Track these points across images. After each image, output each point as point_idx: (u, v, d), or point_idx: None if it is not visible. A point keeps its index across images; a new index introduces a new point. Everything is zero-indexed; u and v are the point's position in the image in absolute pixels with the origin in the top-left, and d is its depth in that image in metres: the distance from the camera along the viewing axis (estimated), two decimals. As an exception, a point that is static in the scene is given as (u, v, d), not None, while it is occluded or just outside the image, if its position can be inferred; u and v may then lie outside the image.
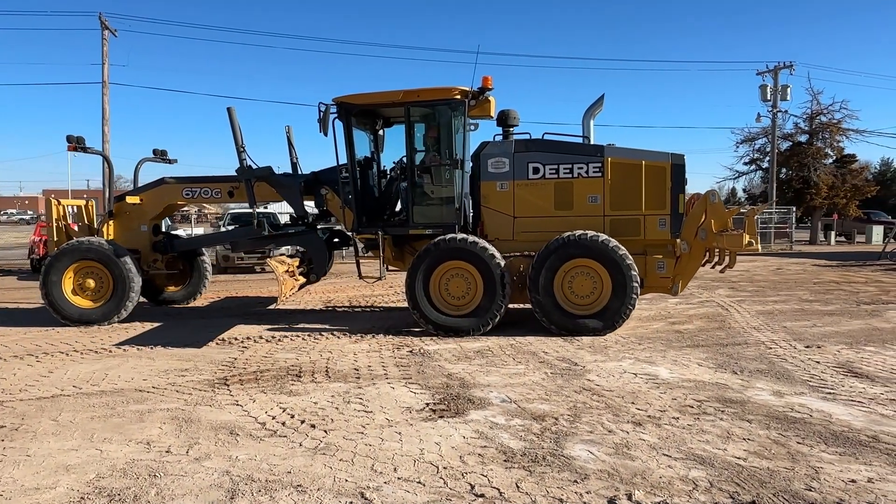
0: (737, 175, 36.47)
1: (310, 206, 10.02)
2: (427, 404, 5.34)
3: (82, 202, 10.76)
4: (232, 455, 4.22)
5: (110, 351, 7.52)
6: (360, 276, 9.74)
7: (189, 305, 11.28)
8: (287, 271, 8.80)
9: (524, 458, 4.13)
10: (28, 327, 9.13)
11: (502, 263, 8.23)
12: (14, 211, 77.96)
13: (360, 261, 9.80)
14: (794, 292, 12.54)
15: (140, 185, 10.72)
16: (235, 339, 8.17)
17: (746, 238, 8.09)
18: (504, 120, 9.06)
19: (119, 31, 27.60)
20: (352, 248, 10.24)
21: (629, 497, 3.55)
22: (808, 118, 33.22)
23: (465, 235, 8.39)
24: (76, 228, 10.25)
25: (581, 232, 8.15)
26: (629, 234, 8.40)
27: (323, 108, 8.50)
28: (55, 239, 9.82)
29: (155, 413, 5.14)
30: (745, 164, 35.50)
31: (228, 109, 9.12)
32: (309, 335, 8.40)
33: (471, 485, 3.73)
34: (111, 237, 9.90)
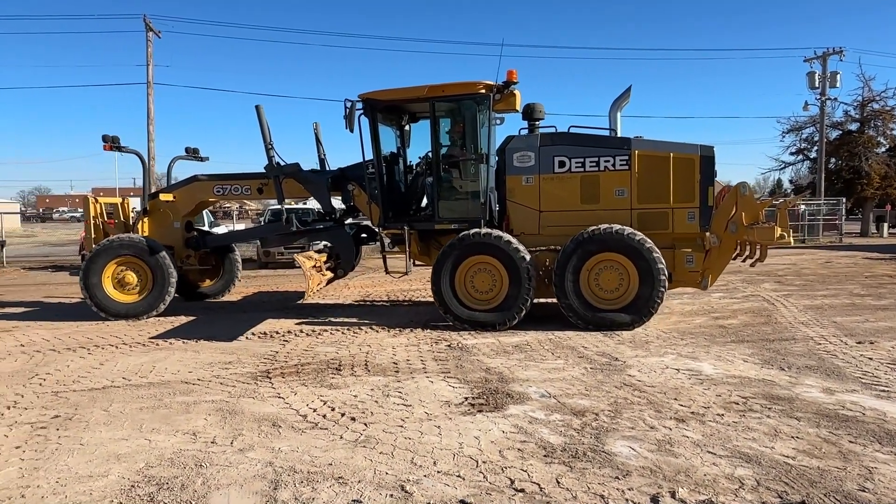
0: (783, 166, 35.49)
1: (337, 201, 10.16)
2: (466, 398, 5.34)
3: (118, 200, 11.00)
4: (275, 446, 4.29)
5: (157, 344, 7.74)
6: (387, 271, 9.82)
7: (225, 300, 11.52)
8: (314, 266, 8.87)
9: (564, 454, 4.09)
10: (80, 321, 9.45)
11: (527, 258, 8.19)
12: (65, 209, 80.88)
13: (387, 256, 9.85)
14: (845, 286, 12.12)
15: (173, 182, 10.96)
16: (276, 332, 8.32)
17: (778, 231, 7.88)
18: (529, 114, 8.99)
19: (162, 33, 28.27)
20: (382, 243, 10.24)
21: (672, 495, 3.49)
22: (859, 105, 32.01)
23: (489, 230, 8.38)
24: (112, 226, 10.48)
25: (606, 226, 8.05)
26: (657, 228, 8.29)
27: (349, 105, 8.59)
28: (92, 236, 10.08)
29: (200, 404, 5.27)
30: (792, 154, 34.50)
31: (256, 107, 9.29)
32: (348, 329, 8.49)
33: (511, 479, 3.72)
34: (145, 234, 10.13)
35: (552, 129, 8.78)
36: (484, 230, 8.38)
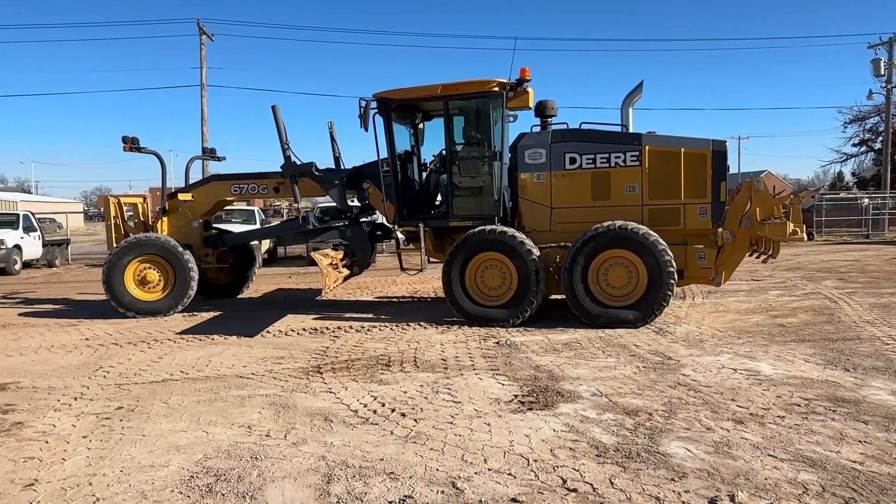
0: (844, 158, 34.08)
1: (352, 200, 10.26)
2: (515, 396, 5.30)
3: (139, 200, 11.23)
4: (327, 441, 4.36)
5: (213, 339, 7.95)
6: (402, 269, 9.86)
7: (250, 297, 11.75)
8: (331, 264, 8.98)
9: (617, 454, 4.02)
10: (139, 316, 9.78)
11: (536, 255, 8.19)
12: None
13: (402, 253, 9.98)
14: (913, 284, 11.53)
15: (191, 181, 11.06)
16: (327, 328, 8.44)
17: (790, 227, 7.72)
18: (542, 110, 8.97)
19: (215, 36, 29.04)
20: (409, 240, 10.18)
21: (731, 498, 3.38)
22: (929, 93, 30.36)
23: (499, 227, 8.41)
24: (132, 225, 10.65)
25: (614, 222, 7.99)
26: (668, 224, 8.20)
27: (363, 104, 8.69)
28: (113, 236, 10.27)
29: (254, 398, 5.39)
30: (854, 145, 33.09)
31: (273, 107, 9.43)
32: (397, 325, 8.55)
33: (562, 479, 3.67)
34: (164, 233, 10.26)
35: (564, 126, 8.76)
36: (492, 227, 8.41)
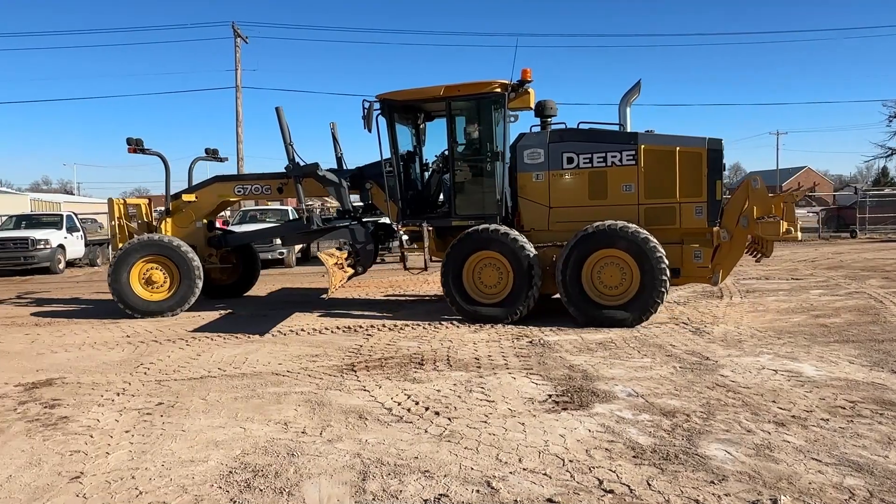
0: (889, 153, 32.95)
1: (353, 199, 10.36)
2: (549, 396, 5.27)
3: (142, 201, 11.29)
4: (362, 438, 4.39)
5: (249, 337, 8.09)
6: (406, 268, 9.81)
7: (258, 295, 11.87)
8: (336, 264, 9.02)
9: (655, 455, 3.96)
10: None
11: (531, 253, 8.29)
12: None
13: (406, 252, 9.94)
14: (964, 283, 11.10)
15: (194, 182, 11.11)
16: (360, 326, 8.51)
17: (784, 225, 7.75)
18: (541, 111, 9.00)
19: (249, 38, 29.49)
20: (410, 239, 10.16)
21: (774, 502, 3.29)
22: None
23: (495, 226, 8.51)
24: (135, 226, 10.68)
25: (606, 222, 8.03)
26: (664, 223, 8.20)
27: (367, 105, 8.75)
28: (117, 237, 10.34)
29: (290, 395, 5.46)
30: (900, 140, 31.97)
31: (276, 109, 9.57)
32: (429, 324, 8.57)
33: (599, 480, 3.63)
34: (168, 234, 10.34)
35: (562, 126, 8.81)
36: (488, 226, 8.52)
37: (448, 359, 6.64)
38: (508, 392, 5.40)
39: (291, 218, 19.66)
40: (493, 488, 3.55)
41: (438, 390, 5.51)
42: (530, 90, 9.05)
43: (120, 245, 10.11)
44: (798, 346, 6.80)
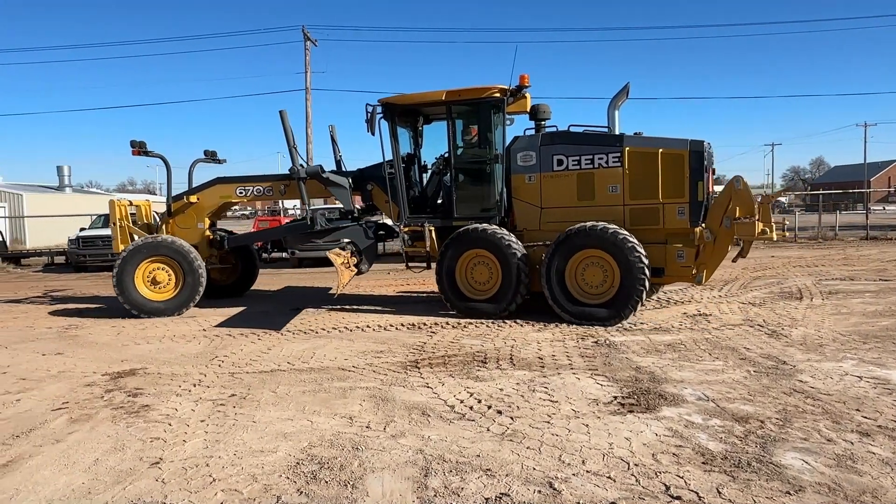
0: None
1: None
2: (615, 397, 5.16)
3: (143, 202, 11.49)
4: (424, 435, 4.43)
5: (316, 332, 8.30)
6: (408, 266, 10.10)
7: (271, 292, 12.06)
8: (343, 263, 9.17)
9: (725, 462, 3.81)
10: (250, 308, 10.39)
11: (519, 252, 8.57)
12: (237, 207, 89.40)
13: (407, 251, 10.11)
14: None
15: (195, 184, 11.24)
16: (424, 324, 8.58)
17: (759, 226, 7.81)
18: (535, 114, 9.29)
19: (318, 41, 30.23)
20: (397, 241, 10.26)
21: (857, 517, 3.11)
22: None
23: (486, 226, 8.83)
24: (137, 228, 10.75)
25: (586, 223, 8.26)
26: (648, 224, 8.39)
27: (370, 109, 9.04)
28: (118, 238, 10.41)
29: (356, 390, 5.57)
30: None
31: (280, 112, 9.74)
32: (493, 322, 8.55)
33: (665, 485, 3.53)
34: (170, 235, 10.42)
35: (554, 129, 9.08)
36: (478, 225, 8.84)
37: (511, 357, 6.61)
38: (572, 392, 5.32)
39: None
40: (555, 489, 3.51)
41: (501, 389, 5.49)
42: (527, 94, 9.35)
43: (121, 247, 10.24)
44: (886, 351, 6.39)
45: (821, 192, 37.74)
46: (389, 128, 9.43)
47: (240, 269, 12.09)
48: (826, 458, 3.83)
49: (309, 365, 6.56)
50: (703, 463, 3.82)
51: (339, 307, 10.30)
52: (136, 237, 10.46)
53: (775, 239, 8.16)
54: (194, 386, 5.85)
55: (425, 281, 12.96)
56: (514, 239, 8.67)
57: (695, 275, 8.34)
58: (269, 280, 14.72)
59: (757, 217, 7.84)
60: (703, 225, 8.23)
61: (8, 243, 24.39)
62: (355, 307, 10.27)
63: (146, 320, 9.62)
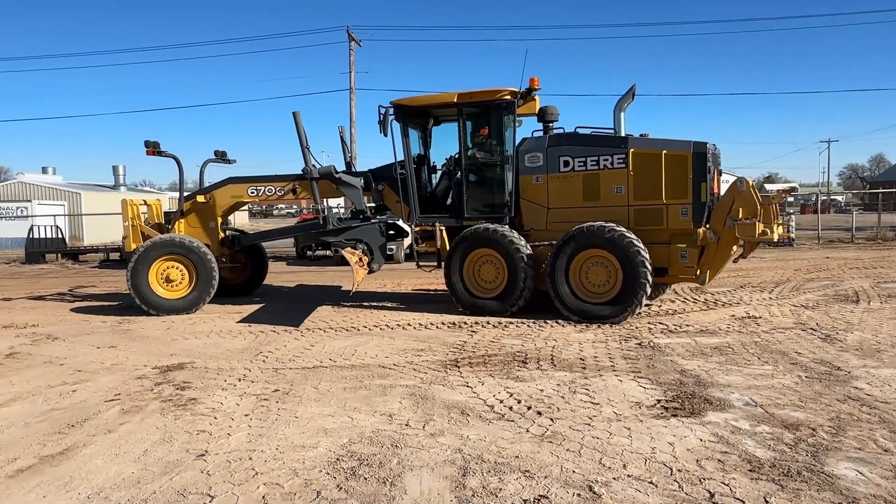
0: None
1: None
2: (658, 401, 5.05)
3: (154, 202, 11.58)
4: (463, 434, 4.42)
5: (358, 330, 8.39)
6: (419, 266, 10.19)
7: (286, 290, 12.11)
8: (358, 261, 9.26)
9: (773, 470, 3.69)
10: (293, 305, 10.57)
11: (525, 252, 8.75)
12: (283, 206, 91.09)
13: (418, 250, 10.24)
14: None
15: (206, 184, 11.39)
16: (465, 323, 8.58)
17: (760, 227, 7.90)
18: (543, 116, 9.42)
19: (363, 41, 30.52)
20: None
21: (915, 532, 2.97)
22: None
23: (493, 226, 9.01)
24: (149, 227, 10.81)
25: (589, 223, 8.39)
26: (652, 224, 8.49)
27: (383, 111, 9.22)
28: (129, 237, 10.48)
29: (396, 388, 5.61)
30: None
31: (294, 114, 9.79)
32: (534, 322, 8.49)
33: (710, 492, 3.43)
34: (182, 234, 10.54)
35: (561, 131, 9.21)
36: (486, 225, 9.04)
37: (552, 358, 6.55)
38: (614, 395, 5.24)
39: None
40: (594, 493, 3.46)
41: (541, 390, 5.44)
42: (536, 97, 9.46)
43: (133, 246, 10.35)
44: (949, 358, 6.08)
45: (880, 190, 36.20)
46: (401, 129, 9.63)
47: (249, 268, 12.23)
48: (882, 469, 3.67)
49: (350, 362, 6.63)
50: (749, 470, 3.70)
51: (376, 305, 10.38)
52: (148, 236, 10.58)
53: (776, 240, 8.30)
54: (239, 380, 5.99)
55: (433, 281, 12.94)
56: (519, 238, 8.86)
57: (698, 275, 8.40)
58: (314, 277, 14.96)
59: (758, 218, 7.91)
60: (707, 226, 8.31)
61: (67, 240, 25.44)
62: (396, 304, 10.34)
63: (195, 316, 9.89)
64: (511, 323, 8.51)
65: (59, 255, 23.23)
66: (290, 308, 10.34)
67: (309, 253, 19.30)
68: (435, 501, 3.43)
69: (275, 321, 9.11)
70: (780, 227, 8.53)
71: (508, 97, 9.07)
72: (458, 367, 6.27)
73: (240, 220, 42.85)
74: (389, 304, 10.46)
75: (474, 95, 9.19)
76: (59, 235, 24.14)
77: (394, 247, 17.91)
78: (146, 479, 3.79)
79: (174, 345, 7.77)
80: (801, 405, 4.84)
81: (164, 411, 5.11)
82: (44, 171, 46.01)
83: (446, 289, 9.51)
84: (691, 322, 8.23)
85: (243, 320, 9.30)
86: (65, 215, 31.13)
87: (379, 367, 6.37)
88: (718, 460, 3.86)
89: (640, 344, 7.09)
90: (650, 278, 8.07)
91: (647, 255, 8.08)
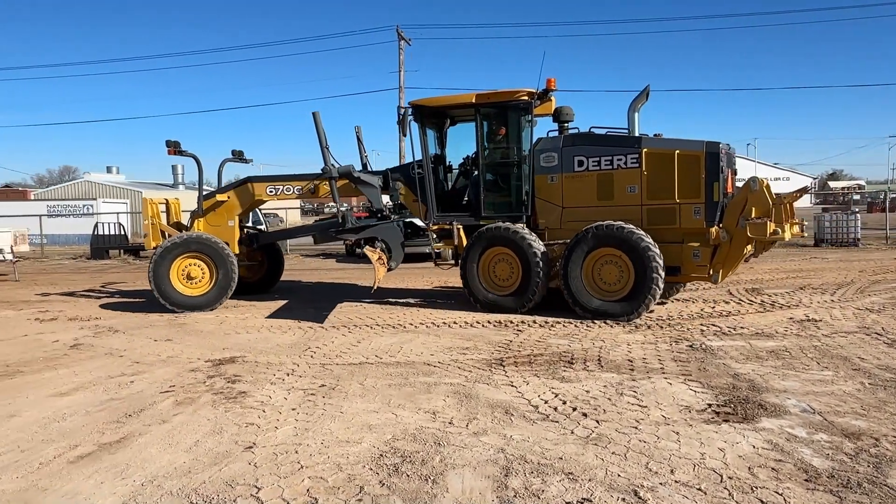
0: None
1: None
2: (709, 405, 4.90)
3: (173, 200, 11.67)
4: (507, 434, 4.39)
5: (404, 327, 8.45)
6: (436, 263, 10.57)
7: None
8: (378, 259, 9.27)
9: (832, 481, 3.52)
10: (341, 303, 10.73)
11: (537, 250, 8.90)
12: (331, 205, 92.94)
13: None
14: None
15: (224, 183, 11.44)
16: (511, 322, 8.53)
17: (771, 227, 7.91)
18: (558, 116, 9.53)
19: (412, 40, 30.70)
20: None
21: None
22: None
23: (507, 224, 9.17)
24: (168, 225, 10.93)
25: (602, 222, 8.52)
26: (665, 223, 8.57)
27: (402, 112, 9.41)
28: (150, 235, 10.59)
29: (440, 386, 5.61)
30: None
31: (313, 114, 9.89)
32: (581, 322, 8.37)
33: (762, 501, 3.31)
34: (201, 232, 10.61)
35: (576, 131, 9.37)
36: (500, 224, 9.20)
37: (599, 359, 6.44)
38: (663, 398, 5.11)
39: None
40: (640, 498, 3.38)
41: (587, 391, 5.36)
42: (552, 98, 9.50)
43: (153, 244, 10.48)
44: None
45: (955, 188, 34.18)
46: (419, 129, 9.80)
47: (266, 265, 12.39)
48: (952, 483, 3.46)
49: (396, 359, 6.68)
50: (805, 480, 3.55)
51: (427, 303, 10.42)
52: (167, 234, 10.74)
53: (787, 239, 8.33)
54: (287, 375, 6.11)
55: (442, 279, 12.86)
56: (533, 237, 9.02)
57: (710, 274, 8.45)
58: (362, 274, 15.14)
59: (770, 218, 7.95)
60: (720, 225, 8.35)
61: (129, 236, 26.53)
62: (442, 302, 10.36)
63: (246, 311, 10.16)
64: (558, 322, 8.41)
65: (122, 251, 24.24)
66: (337, 304, 10.49)
67: (358, 251, 19.52)
68: (476, 501, 3.42)
69: (322, 318, 9.26)
70: (794, 227, 8.55)
71: (525, 98, 9.23)
72: (503, 367, 6.24)
73: (291, 218, 43.76)
74: (439, 301, 10.49)
75: (492, 96, 9.38)
76: (122, 232, 25.18)
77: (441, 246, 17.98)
78: (196, 469, 3.91)
79: (227, 339, 7.99)
80: (863, 413, 4.61)
81: (215, 403, 5.25)
82: (108, 170, 48.07)
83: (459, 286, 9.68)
84: (746, 324, 7.96)
85: (292, 316, 9.49)
86: (126, 213, 32.46)
87: (424, 365, 6.39)
88: (772, 468, 3.71)
89: (691, 346, 6.90)
90: (662, 277, 8.20)
91: (659, 254, 8.19)
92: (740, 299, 9.91)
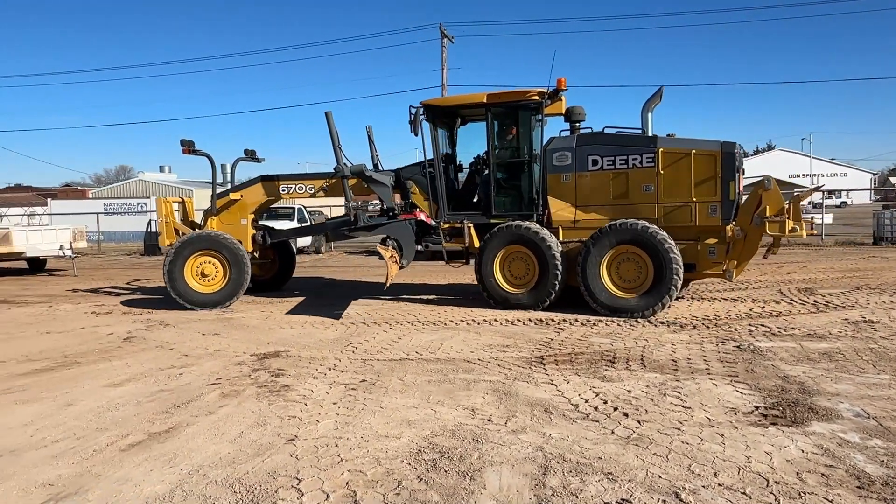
0: None
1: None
2: (756, 407, 4.76)
3: (188, 199, 11.79)
4: (545, 432, 4.36)
5: (444, 324, 8.47)
6: (447, 262, 10.56)
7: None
8: (391, 257, 9.29)
9: (886, 489, 3.38)
10: (383, 300, 10.83)
11: (555, 249, 8.97)
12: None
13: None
14: None
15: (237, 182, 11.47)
16: (552, 320, 8.47)
17: (790, 224, 8.14)
18: (569, 116, 9.61)
19: (455, 38, 30.72)
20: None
21: None
22: None
23: (524, 223, 9.24)
24: (182, 224, 11.06)
25: (619, 220, 8.62)
26: (681, 221, 8.68)
27: (413, 111, 9.41)
28: (164, 234, 10.75)
29: (479, 383, 5.61)
30: None
31: (326, 114, 9.92)
32: (624, 321, 8.25)
33: (810, 508, 3.20)
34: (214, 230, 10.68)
35: (589, 130, 9.45)
36: (518, 223, 9.26)
37: (642, 358, 6.33)
38: (708, 399, 4.99)
39: None
40: (681, 500, 3.31)
41: (629, 391, 5.27)
42: (563, 97, 9.57)
43: (167, 242, 10.61)
44: None
45: None
46: (430, 128, 9.86)
47: (278, 263, 12.49)
48: None
49: (436, 355, 6.71)
50: (857, 487, 3.42)
51: (460, 300, 10.42)
52: (181, 233, 10.90)
53: (804, 236, 8.50)
54: (329, 370, 6.21)
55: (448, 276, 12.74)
56: (551, 236, 9.09)
57: (725, 270, 8.62)
58: (402, 273, 15.22)
59: (788, 215, 8.13)
60: (735, 223, 8.48)
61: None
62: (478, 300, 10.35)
63: (290, 306, 10.36)
64: (600, 321, 8.31)
65: (173, 247, 24.96)
66: (379, 300, 10.59)
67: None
68: (514, 498, 3.41)
69: (363, 314, 9.37)
70: (805, 225, 8.67)
71: (536, 98, 9.30)
72: (544, 365, 6.20)
73: (336, 214, 44.53)
74: (467, 299, 10.49)
75: (503, 96, 9.48)
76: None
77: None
78: (240, 460, 4.01)
79: (271, 333, 8.17)
80: (921, 419, 4.41)
81: (259, 396, 5.38)
82: (161, 169, 49.64)
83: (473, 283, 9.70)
84: (797, 325, 7.70)
85: (334, 311, 9.63)
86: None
87: (464, 362, 6.40)
88: (822, 474, 3.59)
89: (738, 347, 6.71)
90: (681, 276, 8.30)
91: (679, 254, 8.31)
92: (792, 299, 9.59)
